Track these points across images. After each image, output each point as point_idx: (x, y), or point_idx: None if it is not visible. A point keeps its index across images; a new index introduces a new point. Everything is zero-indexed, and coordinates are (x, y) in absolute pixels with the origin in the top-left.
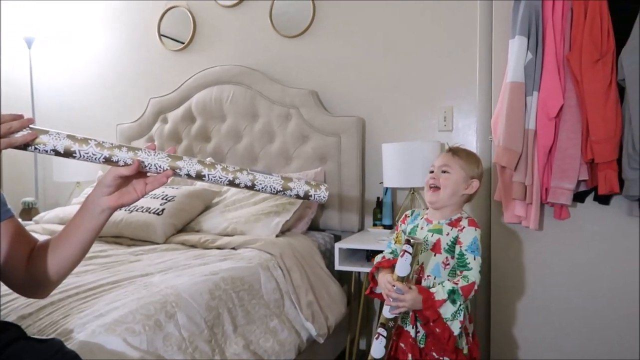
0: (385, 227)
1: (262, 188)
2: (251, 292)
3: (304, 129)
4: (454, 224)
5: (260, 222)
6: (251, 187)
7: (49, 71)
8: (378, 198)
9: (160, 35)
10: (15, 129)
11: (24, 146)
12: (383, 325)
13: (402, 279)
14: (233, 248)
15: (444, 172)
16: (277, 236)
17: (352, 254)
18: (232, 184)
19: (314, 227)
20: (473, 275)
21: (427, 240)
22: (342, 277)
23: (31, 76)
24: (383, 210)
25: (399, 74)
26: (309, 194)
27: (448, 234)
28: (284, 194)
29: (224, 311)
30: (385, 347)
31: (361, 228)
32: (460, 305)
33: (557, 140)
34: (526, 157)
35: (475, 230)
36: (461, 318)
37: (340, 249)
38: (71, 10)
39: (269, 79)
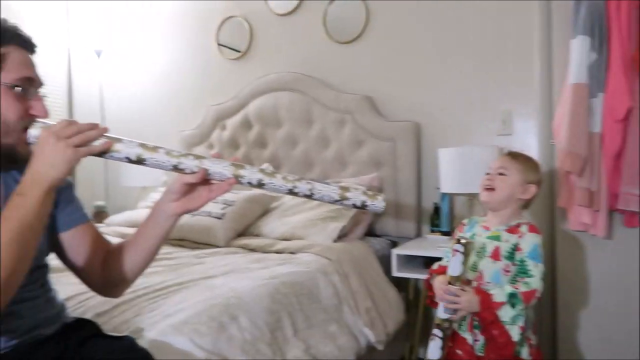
0: (443, 233)
1: (320, 197)
2: (310, 296)
3: (358, 134)
4: (512, 230)
5: (317, 227)
6: (309, 197)
7: (116, 81)
8: (435, 204)
9: (218, 45)
10: (93, 138)
11: (100, 154)
12: (438, 326)
13: (455, 279)
14: (291, 252)
15: (501, 174)
16: (334, 241)
17: (410, 261)
18: (291, 192)
19: (370, 232)
20: (535, 282)
21: (485, 248)
22: (400, 284)
23: (100, 86)
24: (440, 216)
25: (455, 77)
26: (366, 204)
27: (507, 241)
28: (342, 203)
29: (284, 315)
30: (442, 348)
31: (418, 234)
32: (520, 310)
33: (626, 144)
34: (592, 162)
35: (536, 236)
36: (521, 324)
37: (397, 255)
38: (136, 23)
39: (323, 85)
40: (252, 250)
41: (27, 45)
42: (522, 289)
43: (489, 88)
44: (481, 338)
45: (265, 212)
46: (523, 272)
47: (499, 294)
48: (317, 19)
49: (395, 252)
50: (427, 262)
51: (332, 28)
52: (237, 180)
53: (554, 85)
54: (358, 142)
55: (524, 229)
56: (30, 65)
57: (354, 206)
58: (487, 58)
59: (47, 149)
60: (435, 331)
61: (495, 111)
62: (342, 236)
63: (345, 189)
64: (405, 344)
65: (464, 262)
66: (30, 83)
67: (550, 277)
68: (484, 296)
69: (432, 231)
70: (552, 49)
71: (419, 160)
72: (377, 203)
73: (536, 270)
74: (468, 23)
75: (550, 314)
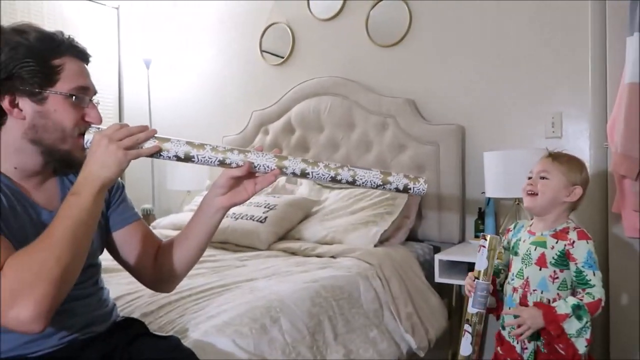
0: None
1: (363, 183)
2: (351, 301)
3: (400, 138)
4: (559, 235)
5: (358, 232)
6: (352, 183)
7: (163, 89)
8: (480, 209)
9: (261, 51)
10: (142, 140)
11: (150, 154)
12: (467, 321)
13: (480, 273)
14: (332, 257)
15: (543, 178)
16: (375, 246)
17: (453, 266)
18: (334, 180)
19: (412, 237)
20: (598, 291)
21: (529, 254)
22: (442, 290)
23: (149, 94)
24: (485, 221)
25: (501, 78)
26: (408, 186)
27: (553, 247)
28: (384, 187)
29: (325, 319)
30: (471, 343)
31: (462, 239)
32: (586, 322)
33: None
34: None
35: (588, 242)
36: (587, 336)
37: (440, 261)
38: (183, 32)
39: (365, 89)
40: (293, 253)
41: (82, 56)
42: (587, 300)
43: (537, 89)
44: (530, 346)
45: (307, 216)
46: (583, 283)
47: (561, 306)
48: (360, 22)
49: (438, 257)
50: (471, 268)
51: (375, 31)
52: (281, 171)
53: (609, 86)
54: (400, 145)
55: (573, 235)
56: (85, 75)
57: (397, 190)
58: (535, 58)
59: (99, 151)
60: (466, 327)
61: (544, 113)
62: (383, 241)
63: (387, 173)
64: (448, 351)
65: (489, 257)
66: (85, 92)
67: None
68: (547, 310)
69: (477, 236)
70: (606, 47)
71: (463, 164)
72: (420, 185)
73: (595, 279)
74: (514, 23)
75: (601, 323)
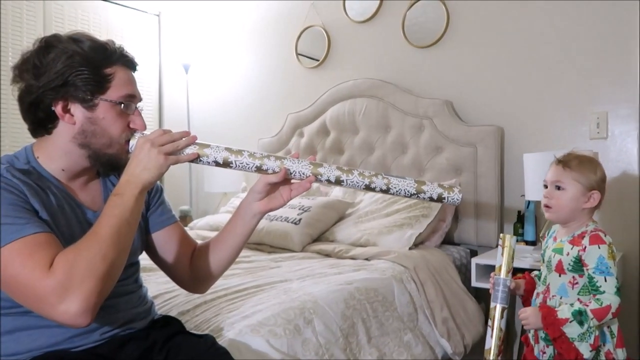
0: (528, 243)
1: (397, 191)
2: (385, 303)
3: (437, 140)
4: (575, 241)
5: (393, 234)
6: (386, 191)
7: (202, 92)
8: (519, 212)
9: (297, 54)
10: (183, 147)
11: (189, 160)
12: (487, 315)
13: (498, 269)
14: (366, 259)
15: (558, 187)
16: (410, 249)
17: (490, 271)
18: (368, 188)
19: (448, 240)
20: (607, 298)
21: (550, 261)
22: (479, 295)
23: (188, 98)
24: (525, 224)
25: (542, 77)
26: (443, 196)
27: (569, 254)
28: (418, 197)
29: (359, 321)
30: (491, 337)
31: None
32: (589, 328)
33: None
34: None
35: (599, 247)
36: (591, 341)
37: (477, 265)
38: (220, 37)
39: (401, 91)
40: (327, 255)
41: (131, 65)
42: (593, 306)
43: (580, 87)
44: (548, 351)
45: (341, 218)
46: (594, 289)
47: (563, 310)
48: (396, 24)
49: (475, 261)
50: (513, 273)
51: (411, 33)
52: (316, 178)
53: None
54: (437, 147)
55: (586, 240)
56: (133, 83)
57: (431, 199)
58: (577, 56)
59: (142, 155)
60: (489, 321)
61: (588, 113)
62: (418, 244)
63: (422, 182)
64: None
65: (502, 254)
66: (132, 99)
67: None
68: (546, 312)
69: (516, 240)
70: None
71: (502, 166)
72: (454, 195)
73: (607, 285)
74: (557, 19)
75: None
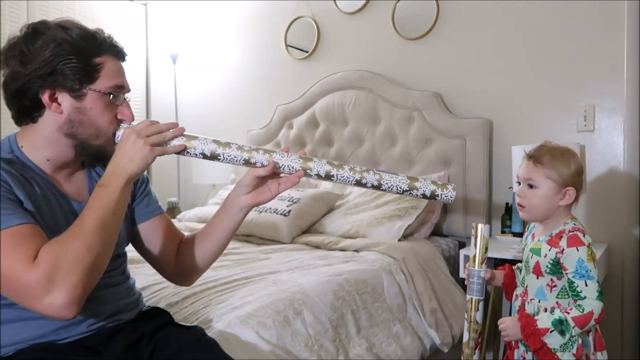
0: (515, 234)
1: (389, 188)
2: (374, 295)
3: (426, 132)
4: (553, 241)
5: (383, 226)
6: (377, 187)
7: (190, 83)
8: (507, 204)
9: (287, 45)
10: (170, 138)
11: (176, 152)
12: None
13: (470, 260)
14: (356, 250)
15: (530, 186)
16: (399, 240)
17: None
18: (359, 183)
19: (437, 232)
20: (589, 304)
21: (528, 261)
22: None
23: (175, 89)
24: (512, 216)
25: (531, 70)
26: (436, 193)
27: (546, 256)
28: (410, 193)
29: (348, 312)
30: (467, 330)
31: (488, 235)
32: (572, 337)
33: None
34: None
35: (578, 250)
36: (574, 350)
37: (465, 256)
38: (209, 27)
39: (390, 83)
40: (317, 247)
41: (120, 55)
42: (574, 313)
43: (568, 81)
44: (527, 357)
45: (330, 210)
46: (574, 294)
47: (543, 319)
48: (386, 16)
49: (463, 252)
50: (498, 264)
51: (401, 25)
52: (306, 172)
53: None
54: (426, 139)
55: (563, 241)
56: (122, 74)
57: (424, 196)
58: (565, 48)
59: (128, 145)
60: (465, 314)
61: (576, 106)
62: (407, 235)
63: (414, 179)
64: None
65: (475, 244)
66: (120, 90)
67: (637, 286)
68: (525, 322)
69: (503, 232)
70: None
71: (491, 158)
72: (448, 193)
73: (588, 289)
74: (544, 13)
75: (635, 325)
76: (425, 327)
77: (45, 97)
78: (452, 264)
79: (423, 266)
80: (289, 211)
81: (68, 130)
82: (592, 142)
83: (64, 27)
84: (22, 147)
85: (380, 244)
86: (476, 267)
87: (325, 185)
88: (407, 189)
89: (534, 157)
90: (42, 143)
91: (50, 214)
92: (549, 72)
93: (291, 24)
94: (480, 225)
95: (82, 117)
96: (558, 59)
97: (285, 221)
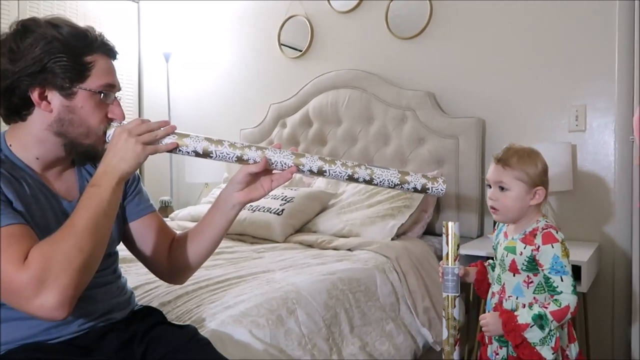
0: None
1: (380, 182)
2: (367, 293)
3: (420, 132)
4: (527, 239)
5: (376, 225)
6: (369, 182)
7: (183, 82)
8: None
9: (280, 44)
10: (161, 136)
11: (168, 150)
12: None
13: (444, 258)
14: (349, 249)
15: (501, 188)
16: (392, 239)
17: (471, 261)
18: (351, 178)
19: (430, 231)
20: (565, 298)
21: (504, 260)
22: (460, 285)
23: (168, 87)
24: None
25: (523, 70)
26: (427, 186)
27: (522, 253)
28: (402, 187)
29: (341, 311)
30: (447, 327)
31: (480, 234)
32: (550, 331)
33: None
34: None
35: (553, 246)
36: (552, 344)
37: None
38: (202, 25)
39: (384, 82)
40: (310, 246)
41: (111, 54)
42: (552, 307)
43: (560, 81)
44: (501, 352)
45: (324, 208)
46: (551, 289)
47: (523, 315)
48: (379, 15)
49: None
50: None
51: (394, 24)
52: (298, 168)
53: (636, 77)
54: (419, 139)
55: (538, 239)
56: (113, 72)
57: (415, 190)
58: (558, 49)
59: (119, 144)
60: (442, 312)
61: (568, 106)
62: (400, 234)
63: (405, 173)
64: (465, 346)
65: (447, 242)
66: (111, 89)
67: (628, 284)
68: (507, 318)
69: (459, 226)
70: (634, 38)
71: (483, 158)
72: (438, 186)
73: (563, 284)
74: (537, 14)
75: (623, 321)
76: (418, 326)
77: (34, 96)
78: None
79: (416, 265)
80: (283, 210)
81: (58, 129)
82: (584, 141)
83: (54, 24)
84: (10, 145)
85: (373, 243)
86: (450, 265)
87: (319, 184)
88: (399, 182)
89: (503, 160)
90: (32, 142)
91: (40, 213)
92: (541, 72)
93: (285, 22)
94: (450, 223)
95: (72, 116)
96: (551, 60)
97: (279, 220)
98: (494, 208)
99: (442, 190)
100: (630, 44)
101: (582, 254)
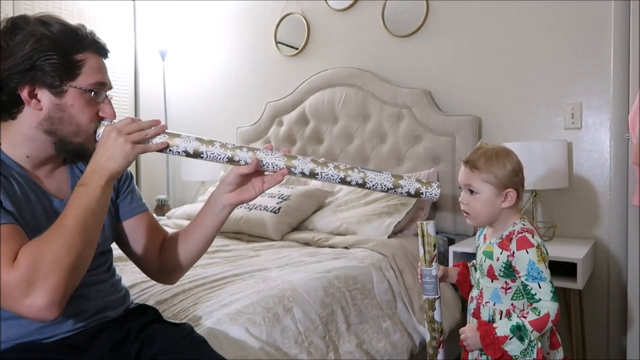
0: None
1: (373, 186)
2: (364, 291)
3: (416, 129)
4: (503, 244)
5: (372, 223)
6: (362, 185)
7: (179, 80)
8: None
9: (276, 42)
10: (151, 136)
11: (158, 150)
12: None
13: (421, 260)
14: (345, 247)
15: (471, 192)
16: (388, 237)
17: (467, 258)
18: (343, 181)
19: None
20: (545, 306)
21: (482, 264)
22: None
23: (164, 85)
24: None
25: (519, 68)
26: (420, 191)
27: (498, 259)
28: (395, 191)
29: (338, 309)
30: (428, 330)
31: (476, 232)
32: (531, 342)
33: None
34: None
35: (527, 252)
36: (534, 355)
37: (454, 253)
38: (198, 24)
39: (380, 80)
40: (306, 244)
41: (102, 52)
42: (531, 317)
43: (556, 79)
44: (482, 358)
45: (320, 207)
46: (529, 297)
47: (502, 326)
48: (376, 12)
49: (452, 249)
50: None
51: (391, 22)
52: (290, 170)
53: (631, 75)
54: (415, 137)
55: (513, 244)
56: (104, 70)
57: (409, 194)
58: (554, 47)
59: (108, 143)
60: (423, 314)
61: (564, 104)
62: (397, 232)
63: (399, 177)
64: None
65: (422, 244)
66: (102, 87)
67: (623, 281)
68: (485, 332)
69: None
70: (629, 36)
71: None
72: (432, 190)
73: (542, 291)
74: (534, 12)
75: (619, 321)
76: (415, 323)
77: (24, 94)
78: (442, 260)
79: (413, 263)
80: (279, 208)
81: (47, 127)
82: (579, 139)
83: (45, 22)
84: (0, 144)
85: (369, 240)
86: (426, 266)
87: (315, 183)
88: (392, 186)
89: (470, 162)
90: (21, 140)
91: (31, 212)
92: (537, 70)
93: (281, 20)
94: (424, 223)
95: (62, 114)
96: (546, 57)
97: (275, 218)
98: (466, 212)
99: (436, 195)
100: (625, 42)
101: (577, 251)
